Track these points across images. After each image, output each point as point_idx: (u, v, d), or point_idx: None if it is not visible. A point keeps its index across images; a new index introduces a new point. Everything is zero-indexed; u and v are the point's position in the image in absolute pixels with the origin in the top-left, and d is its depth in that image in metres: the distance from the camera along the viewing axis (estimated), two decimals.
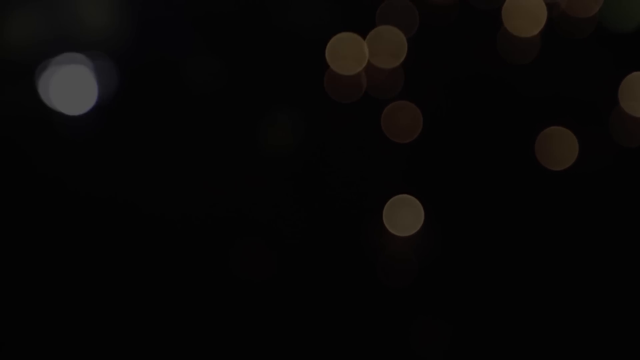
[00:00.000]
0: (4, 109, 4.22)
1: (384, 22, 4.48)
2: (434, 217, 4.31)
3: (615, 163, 4.46)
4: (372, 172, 4.39)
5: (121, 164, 4.31)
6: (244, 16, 4.38)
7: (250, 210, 4.31)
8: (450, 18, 4.55)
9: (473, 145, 4.53)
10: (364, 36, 4.46)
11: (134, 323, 4.11)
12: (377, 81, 4.48)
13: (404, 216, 4.30)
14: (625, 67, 4.52)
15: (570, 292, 4.33)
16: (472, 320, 4.26)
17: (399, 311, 4.26)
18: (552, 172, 4.52)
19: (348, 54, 4.44)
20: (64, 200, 4.24)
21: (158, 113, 4.36)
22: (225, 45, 4.39)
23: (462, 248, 4.32)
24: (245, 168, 4.38)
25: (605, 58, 4.60)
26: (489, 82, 4.60)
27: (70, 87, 4.27)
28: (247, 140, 4.40)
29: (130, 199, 4.29)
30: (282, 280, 4.26)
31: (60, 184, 4.25)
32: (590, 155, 4.49)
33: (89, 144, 4.30)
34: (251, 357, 4.17)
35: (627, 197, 4.44)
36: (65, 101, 4.28)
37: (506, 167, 4.51)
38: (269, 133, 4.39)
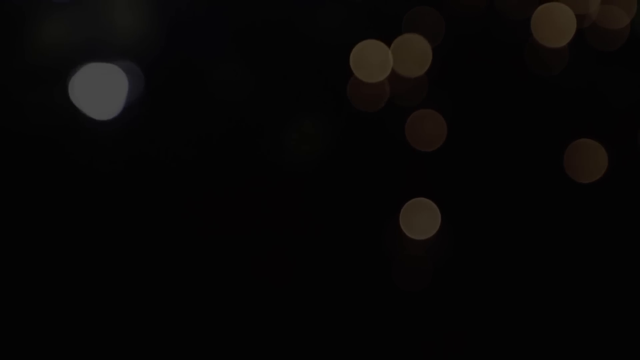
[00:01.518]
0: (34, 111, 4.36)
1: (410, 30, 4.52)
2: (451, 221, 4.31)
3: None
4: (391, 176, 4.41)
5: (147, 167, 4.41)
6: (270, 23, 4.47)
7: (273, 212, 4.38)
8: (477, 27, 4.57)
9: (497, 155, 4.52)
10: (388, 44, 4.51)
11: (143, 322, 4.19)
12: (402, 89, 4.52)
13: (420, 219, 4.31)
14: None
15: (588, 298, 4.27)
16: (488, 324, 4.23)
17: (415, 314, 4.25)
18: (580, 184, 4.48)
19: (372, 61, 4.48)
20: (90, 201, 4.35)
21: (185, 118, 4.46)
22: (252, 52, 4.48)
23: (479, 253, 4.31)
24: (269, 172, 4.45)
25: (636, 70, 4.56)
26: (516, 92, 4.59)
27: (100, 91, 4.40)
28: (271, 145, 4.47)
29: (155, 203, 4.38)
30: (299, 282, 4.30)
31: (87, 186, 4.36)
32: (620, 168, 4.44)
33: (116, 148, 4.41)
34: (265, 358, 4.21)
35: None
36: (94, 105, 4.40)
37: (530, 176, 4.49)
38: (293, 138, 4.46)
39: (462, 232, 4.32)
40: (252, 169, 4.42)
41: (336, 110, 4.47)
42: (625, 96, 4.54)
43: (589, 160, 4.49)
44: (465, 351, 4.22)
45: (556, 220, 4.42)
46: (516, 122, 4.55)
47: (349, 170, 4.42)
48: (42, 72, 4.37)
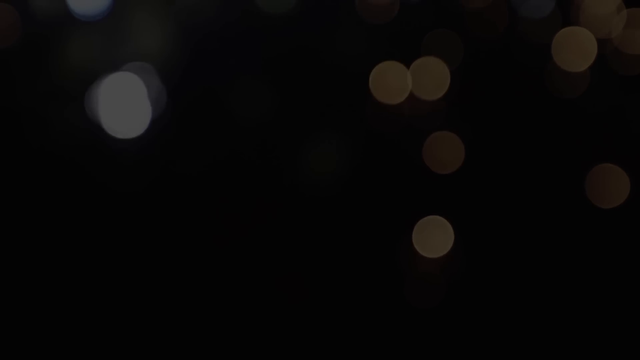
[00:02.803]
0: (58, 130, 4.45)
1: (429, 53, 4.55)
2: (464, 240, 4.28)
3: None
4: (406, 195, 4.41)
5: (167, 185, 4.47)
6: (291, 44, 4.54)
7: (290, 228, 4.39)
8: (496, 50, 4.58)
9: (516, 178, 4.49)
10: (407, 66, 4.53)
11: (148, 323, 4.21)
12: (420, 111, 4.53)
13: (433, 237, 4.29)
14: None
15: (604, 322, 4.18)
16: (501, 342, 4.17)
17: (427, 332, 4.21)
18: (601, 209, 4.42)
19: (391, 83, 4.51)
20: (112, 217, 4.41)
21: (206, 137, 4.53)
22: (273, 72, 4.54)
23: (492, 272, 4.26)
24: (289, 191, 4.48)
25: None
26: (535, 116, 4.57)
27: (123, 109, 4.49)
28: (291, 165, 4.51)
29: (174, 221, 4.43)
30: (314, 298, 4.29)
31: (109, 203, 4.42)
32: None
33: (138, 165, 4.47)
34: None
35: None
36: (117, 122, 4.49)
37: (549, 200, 4.44)
38: (313, 159, 4.49)
39: (475, 251, 4.28)
40: (273, 187, 4.45)
41: (354, 131, 4.48)
42: None
43: (610, 185, 4.43)
44: None
45: (573, 242, 4.35)
46: (535, 145, 4.52)
47: (364, 189, 4.43)
48: (66, 90, 4.47)
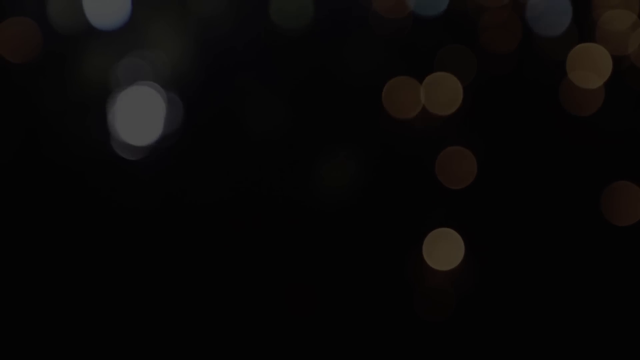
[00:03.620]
0: (75, 141, 4.50)
1: (442, 68, 4.55)
2: (475, 253, 4.25)
3: None
4: (418, 208, 4.40)
5: (182, 198, 4.50)
6: (305, 57, 4.56)
7: (302, 241, 4.39)
8: (510, 66, 4.58)
9: (530, 195, 4.46)
10: (420, 81, 4.54)
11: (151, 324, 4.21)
12: (433, 126, 4.53)
13: (444, 250, 4.27)
14: None
15: (618, 338, 4.13)
16: (510, 357, 4.12)
17: (437, 345, 4.18)
18: (616, 227, 4.38)
19: (403, 98, 4.52)
20: (126, 231, 4.43)
21: (219, 150, 4.55)
22: (286, 86, 4.57)
23: (502, 285, 4.22)
24: (302, 204, 4.48)
25: None
26: (550, 132, 4.56)
27: (139, 121, 4.53)
28: (304, 179, 4.51)
29: (189, 233, 4.44)
30: (322, 310, 4.28)
31: (123, 213, 4.45)
32: None
33: (152, 178, 4.50)
34: None
35: None
36: (133, 134, 4.53)
37: (563, 218, 4.41)
38: (326, 173, 4.50)
39: (486, 264, 4.24)
40: (286, 201, 4.46)
41: (367, 145, 4.49)
42: None
43: (626, 202, 4.39)
44: None
45: (587, 260, 4.31)
46: (549, 162, 4.49)
47: (375, 203, 4.42)
48: (83, 102, 4.52)
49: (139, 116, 4.51)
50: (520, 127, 4.52)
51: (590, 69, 4.51)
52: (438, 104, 4.49)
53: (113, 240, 4.38)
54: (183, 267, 4.38)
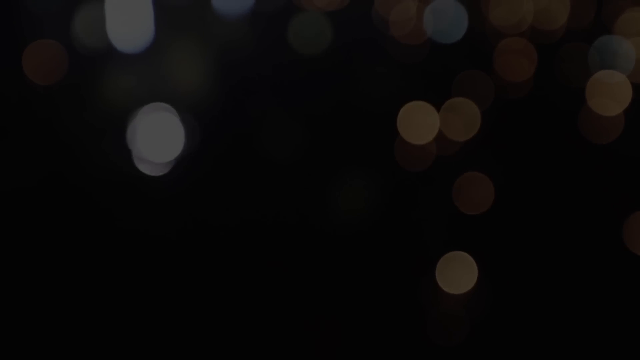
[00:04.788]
0: (97, 161, 4.55)
1: (459, 94, 4.55)
2: (488, 276, 4.21)
3: None
4: (430, 231, 4.37)
5: (198, 220, 4.51)
6: (322, 84, 4.59)
7: (317, 263, 4.38)
8: (528, 92, 4.57)
9: (547, 222, 4.42)
10: (437, 106, 4.54)
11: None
12: (450, 152, 4.52)
13: (457, 273, 4.23)
14: None
15: None
16: None
17: None
18: (637, 256, 4.33)
19: (419, 123, 4.52)
20: (139, 251, 4.45)
21: (236, 173, 4.58)
22: (303, 111, 4.60)
23: (516, 309, 4.17)
24: (317, 228, 4.48)
25: None
26: (568, 159, 4.53)
27: (158, 143, 4.57)
28: (320, 203, 4.52)
29: (203, 256, 4.45)
30: (337, 333, 4.25)
31: (138, 234, 4.47)
32: None
33: (170, 199, 4.53)
34: None
35: None
36: (151, 157, 4.57)
37: (577, 243, 4.36)
38: (341, 198, 4.50)
39: (500, 288, 4.20)
40: (302, 226, 4.46)
41: (384, 170, 4.49)
42: None
43: None
44: None
45: (605, 288, 4.25)
46: (567, 189, 4.46)
47: (391, 228, 4.40)
48: (104, 124, 4.58)
49: (159, 137, 4.56)
50: (539, 154, 4.49)
51: (609, 96, 4.48)
52: (455, 129, 4.48)
53: (126, 260, 4.40)
54: (196, 290, 4.38)
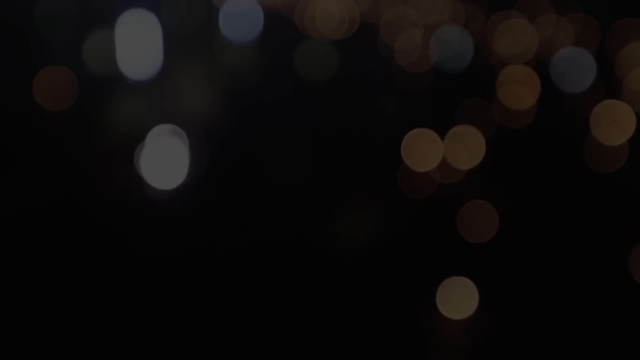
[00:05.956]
0: (101, 186, 4.59)
1: (464, 122, 4.57)
2: (489, 302, 4.21)
3: None
4: (431, 256, 4.38)
5: (202, 246, 4.53)
6: (328, 111, 4.62)
7: (319, 289, 4.38)
8: (533, 121, 4.58)
9: (550, 250, 4.42)
10: (441, 134, 4.56)
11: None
12: (453, 179, 4.54)
13: (457, 299, 4.23)
14: None
15: None
16: None
17: None
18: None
19: (422, 150, 4.54)
20: (145, 277, 4.47)
21: (241, 200, 4.60)
22: (308, 137, 4.63)
23: (516, 335, 4.16)
24: (320, 255, 4.49)
25: None
26: (572, 188, 4.53)
27: (165, 169, 4.61)
28: (323, 230, 4.53)
29: (208, 283, 4.47)
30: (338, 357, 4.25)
31: (147, 259, 4.50)
32: None
33: (175, 226, 4.55)
34: None
35: None
36: (158, 182, 4.60)
37: (581, 272, 4.35)
38: (345, 225, 4.51)
39: (501, 314, 4.19)
40: (305, 252, 4.47)
41: (388, 197, 4.50)
42: None
43: None
44: None
45: (610, 319, 4.23)
46: (571, 219, 4.46)
47: (392, 252, 4.41)
48: (112, 149, 4.62)
49: (167, 164, 4.60)
50: (543, 183, 4.49)
51: (613, 125, 4.49)
52: (459, 157, 4.49)
53: (133, 285, 4.42)
54: (201, 314, 4.39)
